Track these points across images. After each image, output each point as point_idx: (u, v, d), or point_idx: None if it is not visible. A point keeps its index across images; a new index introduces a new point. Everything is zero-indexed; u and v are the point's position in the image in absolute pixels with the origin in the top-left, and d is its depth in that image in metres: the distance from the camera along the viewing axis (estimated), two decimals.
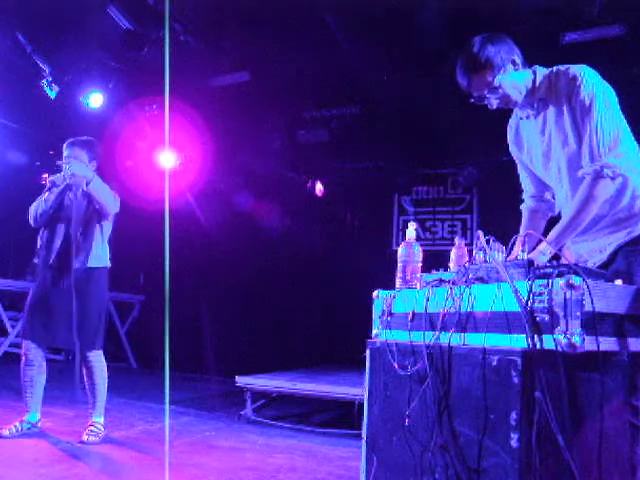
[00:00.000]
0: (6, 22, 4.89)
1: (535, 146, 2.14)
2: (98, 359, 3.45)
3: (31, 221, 3.52)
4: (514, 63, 2.00)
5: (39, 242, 3.54)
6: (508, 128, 2.28)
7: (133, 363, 7.82)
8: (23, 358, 3.46)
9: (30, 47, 5.17)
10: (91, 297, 3.43)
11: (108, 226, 3.59)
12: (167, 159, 6.71)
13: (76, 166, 3.39)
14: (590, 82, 1.92)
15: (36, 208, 3.49)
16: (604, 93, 1.93)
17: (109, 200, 3.48)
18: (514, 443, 1.39)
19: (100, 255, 3.52)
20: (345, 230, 7.26)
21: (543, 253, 1.79)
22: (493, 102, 2.04)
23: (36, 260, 3.53)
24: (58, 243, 3.46)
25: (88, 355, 3.41)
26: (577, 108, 1.93)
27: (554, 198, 2.26)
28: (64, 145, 3.58)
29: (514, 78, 2.00)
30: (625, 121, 1.97)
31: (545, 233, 2.22)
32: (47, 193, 3.48)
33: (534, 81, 2.04)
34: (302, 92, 5.80)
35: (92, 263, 3.47)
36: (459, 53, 2.01)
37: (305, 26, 4.71)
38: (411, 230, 2.05)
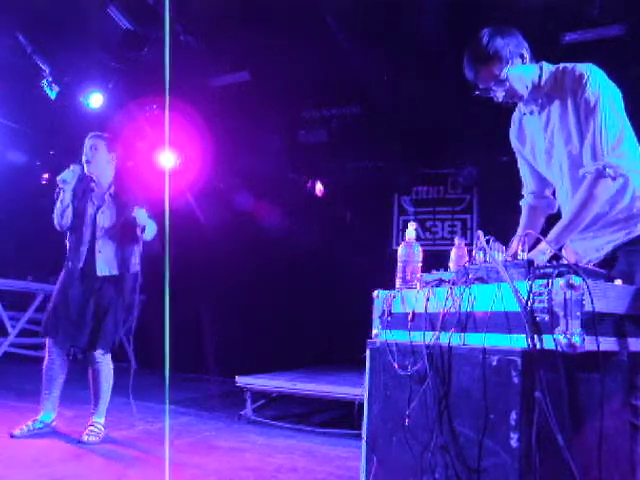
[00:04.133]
0: (6, 22, 4.89)
1: (538, 142, 2.14)
2: (106, 362, 3.45)
3: (56, 226, 3.53)
4: (522, 57, 1.99)
5: (67, 246, 3.56)
6: (511, 122, 2.27)
7: (133, 363, 7.81)
8: (46, 356, 3.47)
9: (30, 47, 5.17)
10: (113, 303, 3.42)
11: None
12: (167, 159, 6.70)
13: (141, 214, 3.40)
14: (596, 81, 1.92)
15: (56, 212, 3.49)
16: (609, 93, 1.93)
17: (152, 235, 3.53)
18: (514, 443, 1.39)
19: (127, 262, 3.51)
20: (345, 230, 7.26)
21: (543, 252, 1.79)
22: (499, 95, 2.03)
23: (65, 264, 3.53)
24: (84, 248, 3.46)
25: (96, 355, 3.40)
26: (581, 107, 1.93)
27: (554, 195, 2.26)
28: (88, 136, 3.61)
29: (521, 72, 2.00)
30: (628, 122, 1.97)
31: (544, 230, 2.23)
32: (61, 193, 3.46)
33: (540, 77, 2.04)
34: (302, 92, 5.79)
35: (119, 270, 3.47)
36: (467, 44, 2.00)
37: (305, 26, 4.70)
38: (411, 230, 2.05)
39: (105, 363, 3.45)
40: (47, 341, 3.48)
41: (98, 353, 3.41)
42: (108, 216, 3.51)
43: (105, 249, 3.46)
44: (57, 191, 3.47)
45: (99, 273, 3.43)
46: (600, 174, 1.87)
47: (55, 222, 3.52)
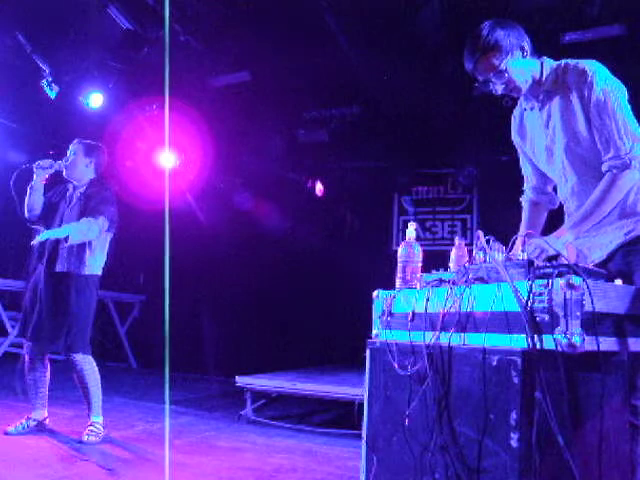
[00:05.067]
0: (6, 22, 4.89)
1: (539, 139, 2.13)
2: (86, 362, 3.42)
3: (25, 213, 3.53)
4: (523, 49, 1.98)
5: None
6: (512, 118, 2.27)
7: (133, 363, 7.82)
8: (26, 358, 3.47)
9: (30, 47, 5.17)
10: (77, 303, 3.38)
11: (100, 239, 3.53)
12: (167, 159, 6.70)
13: (49, 232, 3.36)
14: (602, 77, 1.91)
15: (27, 198, 3.51)
16: (617, 87, 1.93)
17: (92, 236, 3.43)
18: (514, 443, 1.39)
19: (89, 263, 3.47)
20: (345, 230, 7.26)
21: (559, 239, 1.79)
22: (498, 87, 2.02)
23: (35, 261, 3.54)
24: (50, 246, 3.46)
25: (74, 358, 3.37)
26: (591, 104, 1.91)
27: (555, 191, 2.26)
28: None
29: (521, 64, 1.99)
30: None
31: (546, 227, 2.22)
32: (34, 177, 3.49)
33: (541, 72, 2.03)
34: (302, 92, 5.79)
35: (80, 270, 3.43)
36: (468, 36, 2.00)
37: (305, 26, 4.71)
38: (411, 230, 2.05)
39: (86, 363, 3.41)
40: (24, 342, 3.47)
41: (74, 355, 3.37)
42: (72, 214, 3.52)
43: (64, 245, 3.43)
44: (12, 178, 3.47)
45: (57, 269, 3.41)
46: (626, 166, 1.86)
47: (25, 212, 3.53)
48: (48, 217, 3.54)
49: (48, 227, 3.51)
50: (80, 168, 3.61)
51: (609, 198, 1.87)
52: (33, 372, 3.45)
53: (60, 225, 3.47)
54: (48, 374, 3.49)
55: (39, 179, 3.51)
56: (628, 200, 1.94)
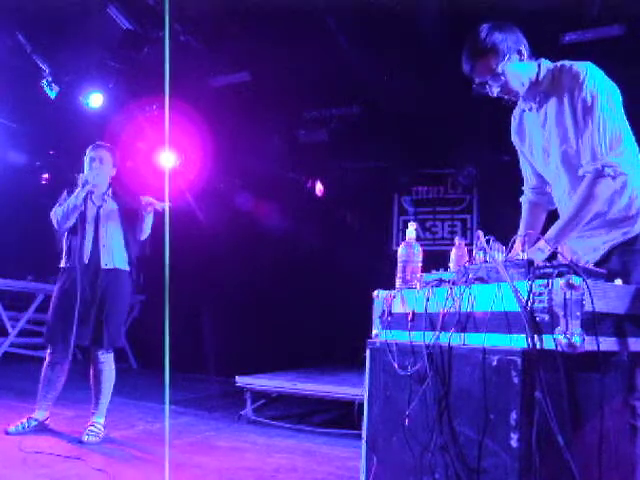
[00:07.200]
0: (6, 22, 4.89)
1: (536, 139, 2.14)
2: (108, 361, 3.49)
3: (57, 222, 3.52)
4: (520, 53, 2.00)
5: (65, 246, 3.59)
6: (512, 118, 2.28)
7: (133, 363, 7.82)
8: (47, 358, 3.50)
9: (30, 47, 5.17)
10: (118, 298, 3.52)
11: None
12: (167, 159, 6.70)
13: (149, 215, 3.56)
14: (593, 80, 1.91)
15: (66, 206, 3.50)
16: (608, 91, 1.92)
17: (147, 232, 3.65)
18: (514, 443, 1.39)
19: (124, 258, 3.61)
20: (345, 230, 7.25)
21: (542, 250, 1.79)
22: (494, 90, 2.03)
23: (64, 264, 3.56)
24: (89, 245, 3.52)
25: (99, 355, 3.45)
26: (579, 106, 1.92)
27: None
28: (89, 148, 3.68)
29: (517, 68, 2.00)
30: (627, 121, 1.97)
31: (545, 227, 2.22)
32: (78, 189, 3.51)
33: (538, 74, 2.04)
34: (302, 92, 5.79)
35: (119, 265, 3.56)
36: (466, 39, 2.01)
37: (305, 26, 4.70)
38: (411, 230, 2.05)
39: (108, 363, 3.48)
40: (49, 346, 3.51)
41: (101, 352, 3.45)
42: (110, 213, 3.63)
43: (109, 243, 3.56)
44: (67, 191, 3.57)
45: (103, 266, 3.51)
46: (599, 174, 1.86)
47: (57, 220, 3.52)
48: (77, 223, 3.55)
49: (80, 232, 3.53)
50: (107, 176, 3.70)
51: (586, 208, 1.87)
52: (52, 373, 3.47)
53: (97, 227, 3.55)
54: (64, 379, 3.52)
55: (83, 193, 3.51)
56: (621, 203, 1.94)
